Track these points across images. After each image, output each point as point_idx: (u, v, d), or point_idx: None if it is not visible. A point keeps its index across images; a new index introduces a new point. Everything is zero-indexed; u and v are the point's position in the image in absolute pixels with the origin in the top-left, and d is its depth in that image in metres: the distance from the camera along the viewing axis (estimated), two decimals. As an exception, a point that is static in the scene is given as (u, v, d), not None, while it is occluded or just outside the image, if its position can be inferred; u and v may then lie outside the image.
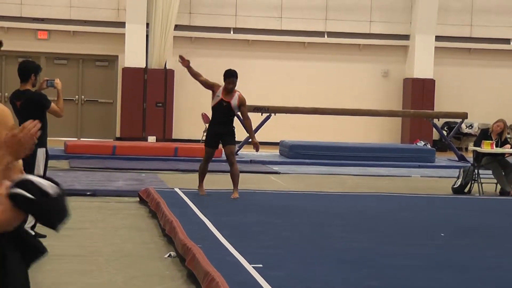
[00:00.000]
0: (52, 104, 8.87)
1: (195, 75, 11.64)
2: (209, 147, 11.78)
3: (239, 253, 7.62)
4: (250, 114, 18.99)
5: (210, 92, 11.64)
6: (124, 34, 21.88)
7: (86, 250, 8.34)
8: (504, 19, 23.65)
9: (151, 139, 21.58)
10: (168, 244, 8.66)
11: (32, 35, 22.02)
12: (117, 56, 22.51)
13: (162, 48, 21.89)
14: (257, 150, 12.14)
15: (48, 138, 8.81)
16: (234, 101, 11.54)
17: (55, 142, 16.22)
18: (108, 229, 9.62)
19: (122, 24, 22.01)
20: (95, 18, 22.27)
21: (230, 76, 11.51)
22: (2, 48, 3.99)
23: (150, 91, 21.97)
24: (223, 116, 11.58)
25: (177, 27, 22.04)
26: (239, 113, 12.12)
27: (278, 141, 20.08)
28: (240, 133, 18.94)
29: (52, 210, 2.63)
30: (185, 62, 11.54)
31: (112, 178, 14.39)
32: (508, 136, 15.58)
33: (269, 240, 8.62)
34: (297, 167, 17.26)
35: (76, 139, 21.17)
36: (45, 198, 2.59)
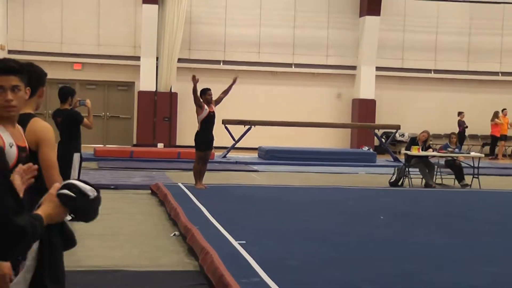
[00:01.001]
0: (84, 119, 8.84)
1: (195, 90, 11.64)
2: (207, 150, 11.78)
3: (227, 232, 7.60)
4: (235, 127, 19.11)
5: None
6: (139, 65, 21.80)
7: (110, 231, 8.28)
8: (427, 54, 23.74)
9: (160, 145, 21.49)
10: (173, 226, 8.63)
11: (69, 66, 21.88)
12: (134, 82, 22.40)
13: (168, 76, 21.82)
14: (234, 81, 12.29)
15: (82, 145, 8.77)
16: (213, 108, 11.78)
17: (87, 148, 16.12)
18: (127, 215, 9.56)
19: (137, 58, 21.92)
20: (117, 53, 22.16)
21: (208, 90, 11.74)
22: (46, 77, 3.99)
23: (159, 109, 21.89)
24: (212, 125, 11.68)
25: (180, 60, 21.97)
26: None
27: (257, 147, 20.06)
28: (226, 140, 18.97)
29: (88, 209, 2.64)
30: (195, 80, 11.59)
31: (130, 175, 14.32)
32: (431, 142, 15.62)
33: (251, 222, 8.60)
34: (272, 166, 17.23)
35: (102, 145, 21.03)
36: (84, 198, 2.59)
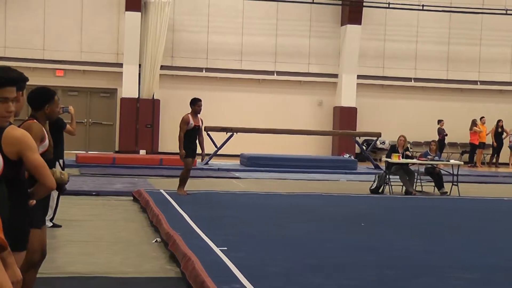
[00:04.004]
0: (67, 126, 8.79)
1: (181, 140, 11.45)
2: (193, 158, 11.72)
3: (209, 238, 7.59)
4: (217, 134, 19.11)
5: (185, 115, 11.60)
6: (122, 72, 21.75)
7: (92, 237, 8.24)
8: (407, 63, 23.91)
9: (142, 152, 21.42)
10: (154, 232, 8.60)
11: (51, 73, 21.76)
12: (116, 89, 22.33)
13: (150, 83, 21.77)
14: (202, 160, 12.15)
15: (64, 152, 8.72)
16: (200, 123, 11.58)
17: (69, 155, 16.03)
18: (109, 221, 9.52)
19: (120, 65, 21.87)
20: (100, 60, 22.10)
21: (199, 100, 11.57)
22: (27, 83, 3.99)
23: (141, 115, 21.82)
24: (195, 136, 11.58)
25: (162, 67, 21.94)
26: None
27: (239, 154, 20.06)
28: (209, 147, 18.95)
29: None
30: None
31: (112, 182, 14.25)
32: (411, 150, 15.71)
33: (233, 229, 8.59)
34: (253, 173, 17.24)
35: (85, 152, 20.92)
36: None
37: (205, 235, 7.80)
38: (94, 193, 12.18)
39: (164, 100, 22.08)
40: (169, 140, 21.93)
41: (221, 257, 6.62)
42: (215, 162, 18.96)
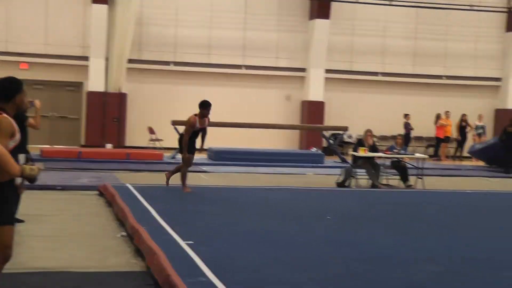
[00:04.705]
0: (30, 119, 8.65)
1: (186, 144, 11.33)
2: (193, 154, 11.58)
3: (175, 232, 7.56)
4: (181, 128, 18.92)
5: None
6: (88, 66, 21.53)
7: (56, 232, 8.15)
8: (375, 57, 24.05)
9: (109, 146, 21.23)
10: (120, 226, 8.54)
11: (16, 66, 21.42)
12: (82, 83, 22.09)
13: (118, 76, 21.58)
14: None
15: (28, 146, 8.59)
16: (206, 123, 11.44)
17: (34, 149, 15.80)
18: (73, 216, 9.42)
19: (86, 58, 21.63)
20: (65, 53, 21.83)
21: (209, 105, 11.39)
22: None
23: (108, 109, 21.62)
24: (196, 136, 11.52)
25: (130, 61, 21.76)
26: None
27: (207, 148, 19.95)
28: (176, 141, 18.81)
29: None
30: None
31: (78, 176, 14.11)
32: (376, 143, 15.82)
33: (200, 223, 8.57)
34: (221, 167, 17.21)
35: (50, 146, 20.65)
36: None
37: (172, 229, 7.77)
38: (59, 188, 12.04)
39: (131, 94, 21.91)
40: (136, 134, 21.80)
41: (187, 251, 6.60)
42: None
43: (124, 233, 7.99)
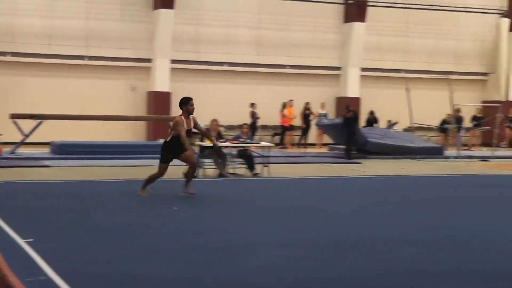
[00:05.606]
0: None
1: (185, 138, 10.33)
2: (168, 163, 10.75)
3: (13, 230, 7.23)
4: (25, 121, 18.16)
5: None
6: None
7: None
8: (221, 47, 24.24)
9: None
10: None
11: None
12: None
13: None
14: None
15: None
16: (192, 125, 10.54)
17: None
18: None
19: None
20: None
21: (190, 99, 10.49)
22: None
23: None
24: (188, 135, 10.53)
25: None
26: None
27: (50, 141, 19.23)
28: (16, 135, 18.00)
29: None
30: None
31: None
32: (224, 133, 16.00)
33: (41, 219, 8.26)
34: (64, 161, 16.57)
35: None
36: None
37: (9, 227, 7.41)
38: None
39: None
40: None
41: (26, 249, 6.33)
42: (23, 151, 18.04)
43: (-43, 234, 7.50)
